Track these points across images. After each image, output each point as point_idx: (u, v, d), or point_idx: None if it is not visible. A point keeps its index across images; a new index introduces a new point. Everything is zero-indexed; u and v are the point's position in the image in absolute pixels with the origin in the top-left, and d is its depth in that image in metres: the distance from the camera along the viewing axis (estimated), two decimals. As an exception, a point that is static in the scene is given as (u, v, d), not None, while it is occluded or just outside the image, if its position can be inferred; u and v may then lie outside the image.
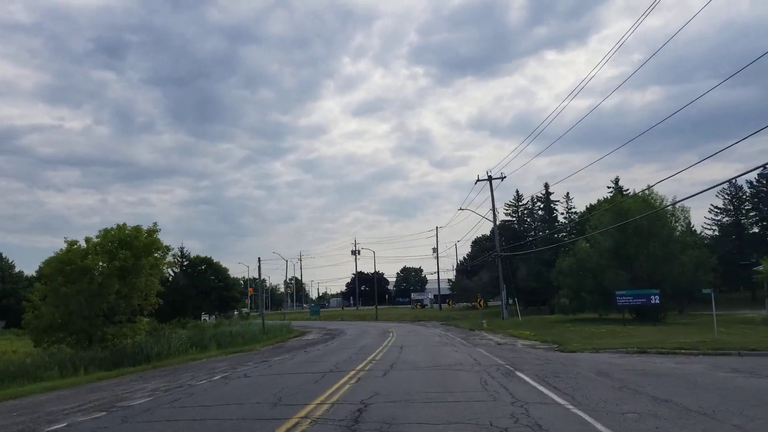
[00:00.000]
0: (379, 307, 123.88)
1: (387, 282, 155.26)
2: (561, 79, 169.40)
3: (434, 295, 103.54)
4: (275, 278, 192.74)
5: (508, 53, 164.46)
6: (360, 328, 49.96)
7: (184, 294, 57.08)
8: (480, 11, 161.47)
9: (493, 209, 46.77)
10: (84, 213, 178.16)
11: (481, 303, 63.91)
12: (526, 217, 72.95)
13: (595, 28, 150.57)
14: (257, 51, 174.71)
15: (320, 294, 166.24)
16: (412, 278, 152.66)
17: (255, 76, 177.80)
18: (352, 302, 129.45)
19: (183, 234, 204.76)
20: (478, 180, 47.51)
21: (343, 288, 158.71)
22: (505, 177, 46.58)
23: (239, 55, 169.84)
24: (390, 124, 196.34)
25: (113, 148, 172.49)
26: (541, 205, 70.79)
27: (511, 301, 48.62)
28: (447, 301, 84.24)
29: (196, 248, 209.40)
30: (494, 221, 47.30)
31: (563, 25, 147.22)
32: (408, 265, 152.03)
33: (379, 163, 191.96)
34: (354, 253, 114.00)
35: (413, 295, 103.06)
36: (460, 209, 54.40)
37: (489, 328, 40.24)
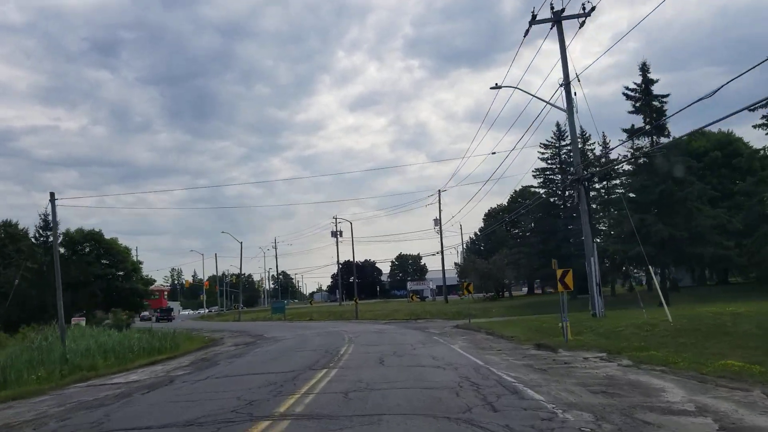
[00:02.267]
0: (370, 301, 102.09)
1: (379, 272, 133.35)
2: (557, 69, 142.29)
3: (437, 286, 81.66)
4: (256, 270, 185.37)
5: (503, 44, 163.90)
6: (302, 339, 29.05)
7: (42, 286, 35.40)
8: (473, 2, 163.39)
9: (566, 79, 24.13)
10: (83, 215, 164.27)
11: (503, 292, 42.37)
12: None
13: (590, 16, 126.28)
14: (252, 46, 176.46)
15: (321, 288, 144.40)
16: (409, 267, 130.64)
17: (250, 72, 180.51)
18: (340, 296, 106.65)
19: (183, 233, 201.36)
20: (533, 20, 24.57)
21: (329, 281, 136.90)
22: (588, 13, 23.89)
23: (234, 51, 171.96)
24: (387, 117, 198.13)
25: (110, 148, 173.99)
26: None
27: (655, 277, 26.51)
28: (463, 290, 62.11)
29: (195, 246, 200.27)
30: (569, 104, 24.26)
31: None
32: (405, 252, 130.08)
33: (377, 158, 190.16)
34: (335, 234, 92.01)
35: (410, 285, 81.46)
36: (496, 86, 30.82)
37: (596, 344, 17.13)
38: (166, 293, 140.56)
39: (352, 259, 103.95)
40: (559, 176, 49.56)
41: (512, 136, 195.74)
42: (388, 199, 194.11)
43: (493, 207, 77.63)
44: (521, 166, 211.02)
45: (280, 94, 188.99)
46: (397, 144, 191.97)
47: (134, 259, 54.59)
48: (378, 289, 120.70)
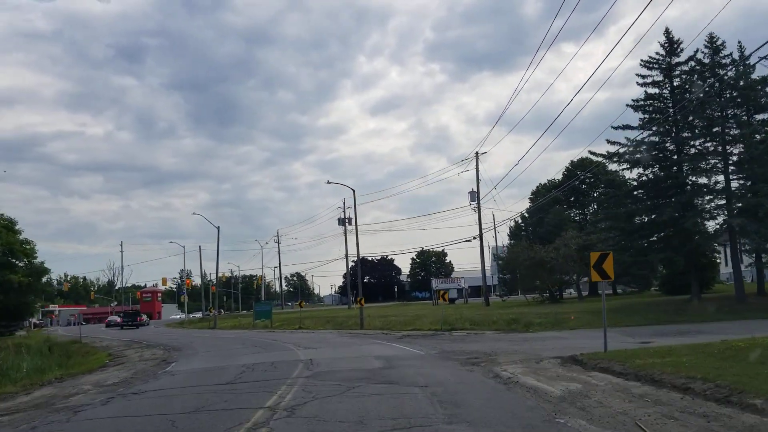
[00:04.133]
0: (385, 304, 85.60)
1: (398, 271, 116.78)
2: (578, 71, 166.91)
3: (469, 286, 64.88)
4: (265, 270, 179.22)
5: (525, 47, 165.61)
6: (196, 393, 11.42)
7: None
8: (495, 6, 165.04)
9: None
10: (108, 219, 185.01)
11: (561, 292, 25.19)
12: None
13: (612, 18, 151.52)
14: (274, 53, 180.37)
15: (339, 289, 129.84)
16: (431, 265, 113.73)
17: (273, 78, 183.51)
18: (350, 298, 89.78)
19: (206, 237, 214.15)
20: None
21: (341, 281, 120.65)
22: None
23: (256, 57, 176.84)
24: (408, 121, 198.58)
25: (135, 153, 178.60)
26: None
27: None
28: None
29: (221, 248, 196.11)
30: None
31: (580, 17, 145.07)
32: (427, 248, 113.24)
33: (398, 161, 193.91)
34: (342, 222, 75.57)
35: (435, 283, 64.67)
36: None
37: None
38: (159, 295, 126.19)
39: (369, 259, 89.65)
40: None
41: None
42: (409, 204, 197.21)
43: (543, 183, 60.68)
44: (544, 170, 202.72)
45: (302, 99, 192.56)
46: (418, 148, 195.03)
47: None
48: (396, 289, 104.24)
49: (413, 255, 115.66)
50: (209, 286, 69.41)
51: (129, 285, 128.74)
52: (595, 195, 60.69)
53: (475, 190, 48.28)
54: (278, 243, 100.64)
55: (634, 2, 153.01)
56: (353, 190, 37.29)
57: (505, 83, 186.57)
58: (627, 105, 32.88)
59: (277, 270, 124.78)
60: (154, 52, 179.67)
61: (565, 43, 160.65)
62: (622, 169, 33.52)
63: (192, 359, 21.16)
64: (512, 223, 59.35)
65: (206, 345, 28.94)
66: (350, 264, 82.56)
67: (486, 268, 70.32)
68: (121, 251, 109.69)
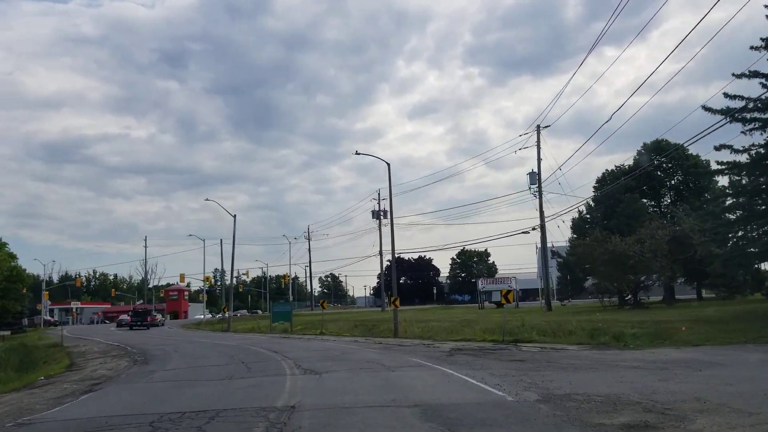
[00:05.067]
0: (423, 306, 77.57)
1: (437, 271, 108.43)
2: (620, 75, 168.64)
3: (520, 290, 56.20)
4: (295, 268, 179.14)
5: (566, 50, 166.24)
6: None
7: None
8: (535, 9, 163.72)
9: None
10: (150, 220, 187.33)
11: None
12: None
13: (655, 22, 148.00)
14: (313, 57, 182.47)
15: (373, 290, 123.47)
16: (473, 265, 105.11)
17: (311, 82, 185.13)
18: (384, 301, 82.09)
19: (242, 238, 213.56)
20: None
21: (375, 281, 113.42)
22: None
23: (296, 61, 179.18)
24: (445, 125, 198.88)
25: (177, 156, 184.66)
26: None
27: None
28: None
29: (255, 253, 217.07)
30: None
31: (622, 20, 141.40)
32: (470, 245, 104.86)
33: (435, 166, 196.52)
34: (376, 215, 67.80)
35: (482, 284, 55.73)
36: None
37: None
38: (186, 293, 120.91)
39: (405, 258, 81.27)
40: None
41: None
42: (446, 206, 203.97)
43: (611, 169, 51.83)
44: (585, 175, 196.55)
45: (340, 103, 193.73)
46: (455, 152, 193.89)
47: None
48: (435, 291, 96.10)
49: (453, 255, 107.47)
50: (230, 286, 62.52)
51: (164, 284, 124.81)
52: (673, 182, 51.70)
53: (535, 170, 39.91)
54: (309, 240, 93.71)
55: (677, 6, 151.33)
56: (388, 164, 29.72)
57: (544, 87, 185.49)
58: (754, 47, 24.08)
59: (310, 272, 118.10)
60: (197, 57, 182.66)
61: (605, 46, 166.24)
62: (749, 130, 24.62)
63: (125, 388, 13.62)
64: (573, 217, 50.61)
65: (185, 358, 21.45)
66: (385, 263, 74.83)
67: (535, 266, 61.75)
68: (145, 246, 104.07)
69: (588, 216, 49.60)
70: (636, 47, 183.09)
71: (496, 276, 61.74)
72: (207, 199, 50.61)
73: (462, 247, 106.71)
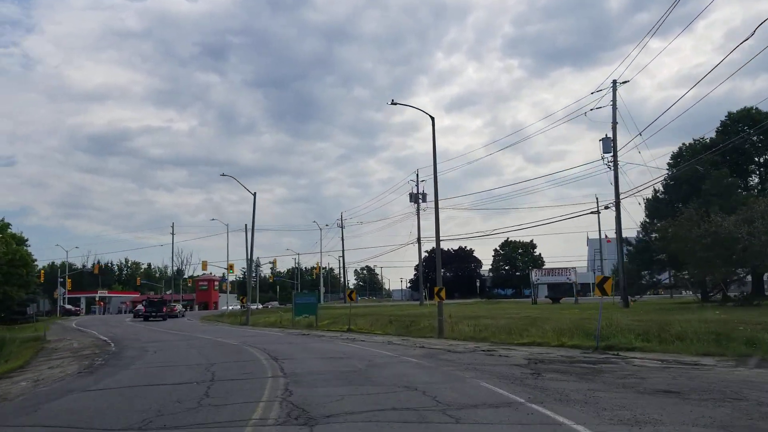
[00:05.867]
0: (464, 301, 70.97)
1: (478, 263, 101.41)
2: (664, 67, 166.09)
3: (577, 283, 49.03)
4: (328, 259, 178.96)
5: (608, 41, 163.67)
6: None
7: None
8: (577, 0, 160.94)
9: None
10: (190, 211, 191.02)
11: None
12: None
13: (702, 13, 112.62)
14: (352, 50, 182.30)
15: (410, 283, 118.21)
16: (518, 257, 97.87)
17: (350, 75, 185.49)
18: (423, 294, 75.61)
19: (281, 231, 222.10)
20: None
21: (412, 273, 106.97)
22: None
23: (335, 54, 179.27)
24: (483, 118, 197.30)
25: (217, 148, 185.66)
26: None
27: None
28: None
29: (294, 245, 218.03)
30: None
31: (665, 11, 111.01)
32: (514, 238, 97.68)
33: (472, 159, 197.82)
34: (414, 198, 61.44)
35: (535, 275, 48.52)
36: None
37: None
38: (216, 283, 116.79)
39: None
40: None
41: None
42: (485, 201, 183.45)
43: (689, 143, 44.29)
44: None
45: (378, 96, 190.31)
46: (493, 145, 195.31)
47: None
48: (478, 285, 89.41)
49: (496, 246, 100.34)
50: (248, 274, 57.05)
51: (200, 273, 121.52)
52: (766, 158, 43.77)
53: (609, 135, 32.89)
54: (341, 227, 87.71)
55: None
56: (432, 119, 23.09)
57: (586, 79, 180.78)
58: None
59: (343, 261, 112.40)
60: (238, 50, 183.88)
61: (648, 37, 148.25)
62: None
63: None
64: (645, 198, 43.16)
65: (150, 367, 15.49)
66: (423, 253, 68.29)
67: (585, 259, 55.01)
68: (172, 233, 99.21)
69: (664, 196, 42.14)
70: (681, 39, 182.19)
71: (551, 267, 54.44)
72: (223, 174, 44.82)
73: (506, 238, 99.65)
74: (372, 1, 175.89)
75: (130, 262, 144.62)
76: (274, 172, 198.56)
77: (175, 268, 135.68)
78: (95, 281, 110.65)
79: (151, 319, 51.46)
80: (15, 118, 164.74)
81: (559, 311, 32.16)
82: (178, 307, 63.56)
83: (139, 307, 57.94)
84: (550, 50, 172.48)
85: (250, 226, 46.08)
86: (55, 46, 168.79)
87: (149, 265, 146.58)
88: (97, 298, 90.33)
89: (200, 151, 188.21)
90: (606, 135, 33.44)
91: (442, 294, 24.25)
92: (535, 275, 49.45)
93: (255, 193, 44.37)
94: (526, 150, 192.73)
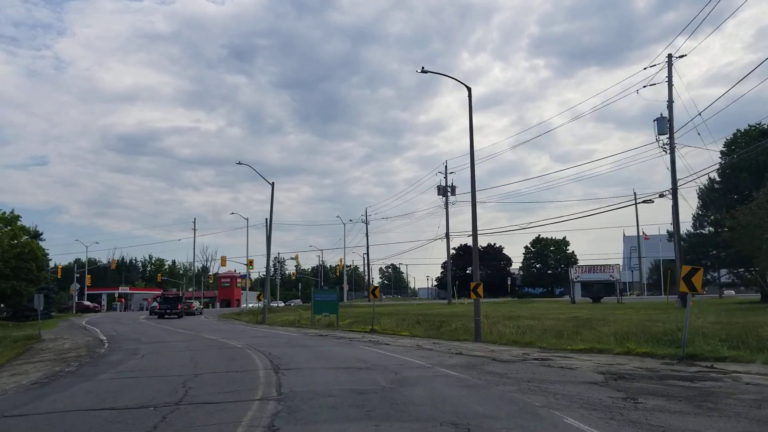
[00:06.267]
0: (494, 299, 67.49)
1: (508, 261, 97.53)
2: (693, 66, 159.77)
3: (620, 282, 45.15)
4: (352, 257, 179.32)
5: (635, 41, 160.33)
6: None
7: None
8: None
9: None
10: (218, 211, 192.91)
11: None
12: None
13: (730, 11, 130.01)
14: (378, 51, 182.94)
15: (437, 281, 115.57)
16: (549, 255, 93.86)
17: (375, 76, 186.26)
18: (451, 293, 72.45)
19: (307, 230, 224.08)
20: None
21: (439, 272, 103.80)
22: None
23: (360, 55, 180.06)
24: (509, 118, 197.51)
25: (244, 148, 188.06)
26: None
27: None
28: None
29: (319, 244, 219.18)
30: None
31: (696, 9, 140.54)
32: (545, 235, 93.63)
33: (498, 158, 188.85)
34: (442, 191, 58.17)
35: (574, 273, 44.63)
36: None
37: None
38: (239, 281, 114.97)
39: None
40: None
41: None
42: (510, 202, 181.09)
43: (743, 128, 40.17)
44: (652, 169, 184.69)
45: (403, 96, 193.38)
46: (519, 144, 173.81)
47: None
48: (510, 283, 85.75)
49: (527, 243, 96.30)
50: (267, 269, 54.37)
51: (223, 270, 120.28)
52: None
53: (665, 115, 29.19)
54: (366, 223, 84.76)
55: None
56: (469, 89, 19.40)
57: (613, 78, 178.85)
58: None
59: (367, 258, 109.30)
60: (265, 52, 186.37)
61: (675, 35, 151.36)
62: None
63: None
64: (699, 187, 39.19)
65: (110, 381, 12.47)
66: (451, 252, 64.90)
67: (620, 257, 51.32)
68: (194, 228, 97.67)
69: (720, 185, 38.16)
70: (710, 38, 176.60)
71: (591, 264, 50.23)
72: (239, 163, 41.86)
73: (537, 235, 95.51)
74: (397, 2, 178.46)
75: (154, 259, 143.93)
76: (300, 172, 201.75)
77: (200, 266, 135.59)
78: (119, 278, 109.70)
79: (166, 316, 49.02)
80: (48, 119, 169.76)
81: (609, 311, 28.62)
82: (196, 304, 61.06)
83: (154, 304, 55.52)
84: (577, 50, 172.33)
85: (269, 221, 43.22)
86: (86, 48, 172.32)
87: (173, 262, 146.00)
88: (116, 295, 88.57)
89: (228, 152, 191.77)
90: (661, 115, 29.78)
91: (480, 291, 20.95)
92: (574, 272, 45.68)
93: (273, 182, 41.54)
94: (553, 149, 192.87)
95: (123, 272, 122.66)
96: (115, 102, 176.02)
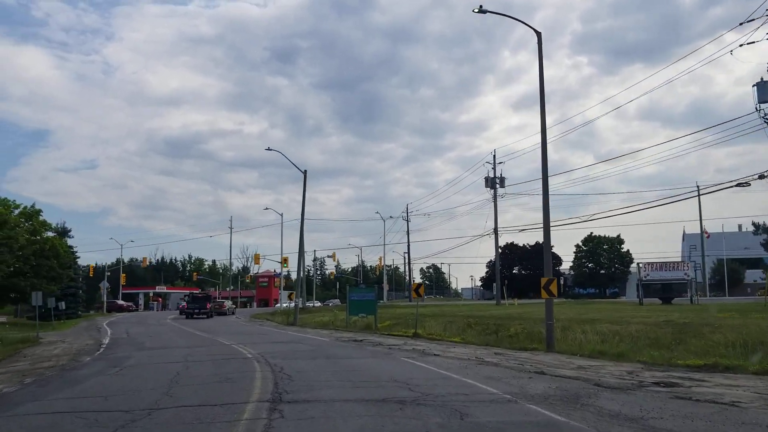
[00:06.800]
0: (536, 302, 62.70)
1: (557, 260, 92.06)
2: (743, 62, 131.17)
3: (695, 281, 39.79)
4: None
5: (681, 37, 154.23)
6: None
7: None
8: None
9: None
10: (261, 212, 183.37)
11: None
12: None
13: None
14: (418, 50, 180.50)
15: (482, 280, 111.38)
16: (603, 254, 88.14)
17: (415, 76, 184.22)
18: (500, 292, 67.56)
19: (347, 231, 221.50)
20: None
21: (484, 270, 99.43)
22: None
23: (401, 55, 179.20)
24: (552, 116, 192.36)
25: (286, 150, 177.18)
26: None
27: None
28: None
29: (360, 244, 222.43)
30: None
31: (743, 4, 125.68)
32: (598, 232, 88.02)
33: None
34: (490, 183, 53.68)
35: (644, 270, 39.20)
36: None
37: None
38: (277, 280, 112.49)
39: (518, 245, 63.41)
40: None
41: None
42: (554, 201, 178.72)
43: None
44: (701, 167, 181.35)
45: (444, 96, 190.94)
46: (562, 143, 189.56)
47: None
48: (562, 283, 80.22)
49: (578, 241, 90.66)
50: (300, 265, 50.71)
51: (260, 269, 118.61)
52: None
53: (766, 79, 24.21)
54: (407, 221, 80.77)
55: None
56: (538, 33, 14.66)
57: (658, 75, 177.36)
58: None
59: (408, 256, 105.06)
60: (305, 53, 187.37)
61: (723, 30, 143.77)
62: None
63: None
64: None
65: (91, 395, 8.66)
66: (497, 244, 60.19)
67: (679, 254, 46.49)
68: (230, 227, 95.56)
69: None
70: (760, 31, 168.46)
71: (662, 261, 44.36)
72: (268, 149, 38.41)
73: (590, 232, 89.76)
74: (437, 1, 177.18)
75: (193, 258, 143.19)
76: (341, 174, 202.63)
77: (240, 266, 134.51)
78: (158, 277, 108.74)
79: (195, 316, 45.93)
80: (97, 122, 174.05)
81: (695, 313, 23.82)
82: (228, 303, 57.95)
83: (183, 303, 52.52)
84: (621, 46, 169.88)
85: (302, 212, 39.57)
86: (133, 52, 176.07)
87: (214, 261, 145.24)
88: (151, 294, 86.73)
89: (270, 154, 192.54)
90: (761, 79, 24.81)
91: (553, 288, 16.60)
92: (644, 270, 40.42)
93: (305, 171, 37.80)
94: (597, 148, 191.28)
95: (162, 272, 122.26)
96: (160, 105, 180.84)
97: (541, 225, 18.81)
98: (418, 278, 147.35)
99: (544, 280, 16.89)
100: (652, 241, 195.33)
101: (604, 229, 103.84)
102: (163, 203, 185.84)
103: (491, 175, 53.88)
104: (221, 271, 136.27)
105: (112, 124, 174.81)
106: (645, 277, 40.29)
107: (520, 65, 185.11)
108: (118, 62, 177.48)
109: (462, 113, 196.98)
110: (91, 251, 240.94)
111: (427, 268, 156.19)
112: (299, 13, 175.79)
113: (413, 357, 14.57)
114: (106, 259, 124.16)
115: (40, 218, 45.13)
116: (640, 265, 40.95)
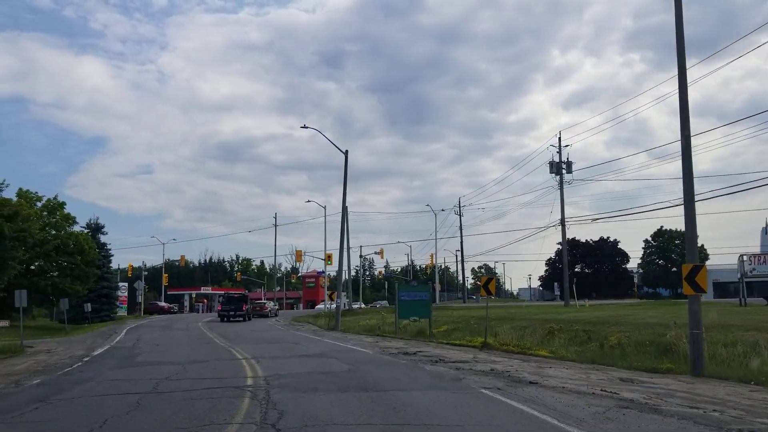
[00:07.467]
0: (608, 302, 56.33)
1: (624, 257, 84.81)
2: None
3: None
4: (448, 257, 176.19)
5: (737, 31, 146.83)
6: None
7: None
8: None
9: None
10: (312, 214, 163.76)
11: None
12: None
13: None
14: (465, 50, 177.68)
15: (541, 280, 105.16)
16: (675, 249, 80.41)
17: (463, 76, 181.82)
18: (570, 291, 61.42)
19: (396, 232, 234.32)
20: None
21: (543, 269, 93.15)
22: None
23: (448, 56, 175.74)
24: (603, 115, 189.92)
25: (335, 153, 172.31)
26: None
27: None
28: None
29: (409, 243, 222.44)
30: None
31: None
32: (669, 226, 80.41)
33: (591, 157, 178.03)
34: (555, 168, 47.84)
35: (749, 264, 33.18)
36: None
37: None
38: (323, 280, 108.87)
39: (580, 241, 57.15)
40: None
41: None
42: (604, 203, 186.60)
43: None
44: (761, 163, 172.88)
45: (492, 95, 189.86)
46: (614, 142, 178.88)
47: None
48: (635, 282, 73.84)
49: (648, 237, 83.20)
50: (341, 260, 45.98)
51: (306, 269, 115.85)
52: None
53: None
54: (460, 215, 75.12)
55: None
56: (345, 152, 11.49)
57: (714, 71, 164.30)
58: None
59: (462, 253, 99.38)
60: (353, 57, 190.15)
61: None
62: None
63: None
64: None
65: None
66: (564, 237, 53.97)
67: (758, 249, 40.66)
68: (275, 224, 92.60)
69: None
70: None
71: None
72: (304, 126, 33.75)
73: (660, 226, 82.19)
74: (485, 0, 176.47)
75: (240, 259, 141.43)
76: (389, 175, 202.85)
77: (289, 267, 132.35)
78: (206, 278, 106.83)
79: (231, 319, 41.79)
80: (153, 129, 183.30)
81: None
82: (269, 305, 53.78)
83: (219, 305, 48.57)
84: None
85: (343, 199, 34.84)
86: (186, 61, 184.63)
87: (261, 262, 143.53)
88: (193, 296, 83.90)
89: (319, 156, 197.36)
90: None
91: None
92: (748, 264, 33.82)
93: (347, 151, 33.22)
94: (650, 146, 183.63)
95: (209, 272, 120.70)
96: (213, 111, 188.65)
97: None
98: (470, 279, 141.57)
99: (686, 268, 11.53)
100: (721, 239, 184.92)
101: (672, 220, 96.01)
102: (215, 206, 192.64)
103: (556, 159, 48.10)
104: (269, 271, 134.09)
105: (167, 130, 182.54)
106: (751, 271, 33.83)
107: (570, 64, 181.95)
108: (172, 71, 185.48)
109: (510, 113, 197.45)
110: (143, 254, 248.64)
111: (479, 267, 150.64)
112: (347, 18, 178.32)
113: (498, 388, 9.45)
114: (156, 261, 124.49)
115: (64, 211, 41.97)
116: (744, 258, 34.33)
